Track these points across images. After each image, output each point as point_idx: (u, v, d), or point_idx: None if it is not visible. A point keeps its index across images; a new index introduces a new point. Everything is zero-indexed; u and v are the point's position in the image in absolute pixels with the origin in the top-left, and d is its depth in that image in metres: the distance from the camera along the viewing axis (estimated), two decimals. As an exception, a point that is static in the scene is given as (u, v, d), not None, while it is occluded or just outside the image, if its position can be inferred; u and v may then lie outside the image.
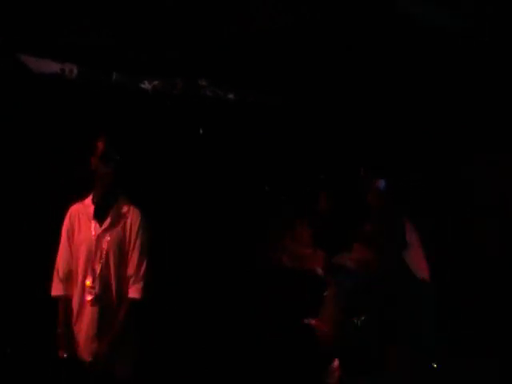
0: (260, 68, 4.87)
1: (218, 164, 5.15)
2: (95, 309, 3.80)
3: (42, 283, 4.01)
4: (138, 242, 3.86)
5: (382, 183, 4.56)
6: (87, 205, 3.93)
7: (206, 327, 4.98)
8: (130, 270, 3.85)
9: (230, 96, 4.89)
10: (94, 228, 3.86)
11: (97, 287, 3.80)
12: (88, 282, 3.80)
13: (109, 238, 3.84)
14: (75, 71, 4.73)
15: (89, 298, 3.80)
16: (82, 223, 3.90)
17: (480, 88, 5.04)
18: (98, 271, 3.81)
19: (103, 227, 3.86)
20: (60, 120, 4.72)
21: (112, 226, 3.87)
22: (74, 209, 3.96)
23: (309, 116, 5.40)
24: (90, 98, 4.77)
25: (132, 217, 3.90)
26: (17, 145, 4.70)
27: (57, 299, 3.91)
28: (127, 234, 3.87)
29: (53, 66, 4.71)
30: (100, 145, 3.85)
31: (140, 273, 3.85)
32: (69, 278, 3.90)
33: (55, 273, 3.92)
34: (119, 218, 3.89)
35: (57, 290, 3.91)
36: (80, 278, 3.85)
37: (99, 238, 3.85)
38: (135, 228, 3.88)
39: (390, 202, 4.60)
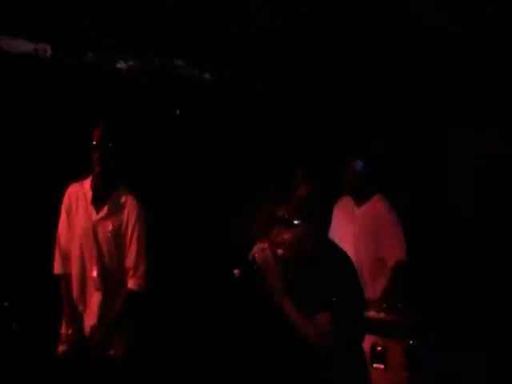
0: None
1: (195, 145, 5.10)
2: (96, 294, 3.82)
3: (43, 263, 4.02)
4: (136, 233, 3.82)
5: (359, 164, 4.57)
6: (86, 189, 3.88)
7: (200, 313, 4.96)
8: (129, 262, 3.83)
9: (207, 76, 4.85)
10: (91, 214, 3.83)
11: (95, 273, 3.81)
12: (94, 273, 3.82)
13: (106, 227, 3.81)
14: (49, 51, 4.67)
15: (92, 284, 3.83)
16: (80, 206, 3.86)
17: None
18: (95, 258, 3.80)
19: (100, 215, 3.82)
20: (34, 101, 4.65)
21: (109, 214, 3.82)
22: (73, 190, 3.91)
23: (289, 98, 5.37)
24: (65, 79, 4.70)
25: (130, 207, 3.84)
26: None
27: (59, 277, 3.89)
28: (124, 224, 3.82)
29: (26, 46, 4.64)
30: (96, 132, 3.79)
31: (139, 264, 3.82)
32: (69, 256, 3.87)
33: (56, 251, 3.89)
34: (117, 208, 3.84)
35: (58, 268, 3.89)
36: (77, 261, 3.84)
37: (95, 225, 3.81)
38: (133, 219, 3.82)
39: (364, 181, 4.62)
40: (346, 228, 4.63)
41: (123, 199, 3.85)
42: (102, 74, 4.78)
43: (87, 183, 3.89)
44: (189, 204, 5.12)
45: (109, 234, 3.80)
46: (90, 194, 3.85)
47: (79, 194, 3.88)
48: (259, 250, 3.07)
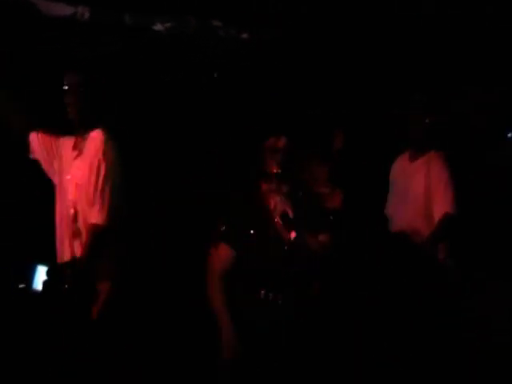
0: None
1: (230, 104, 5.10)
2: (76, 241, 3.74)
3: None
4: (96, 163, 3.65)
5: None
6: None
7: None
8: (89, 195, 3.66)
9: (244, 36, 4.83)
10: (70, 157, 3.80)
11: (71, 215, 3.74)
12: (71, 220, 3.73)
13: (79, 167, 3.72)
14: (87, 14, 4.69)
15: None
16: (65, 152, 3.84)
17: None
18: (72, 203, 3.73)
19: (74, 156, 3.77)
20: (71, 64, 4.67)
21: (81, 154, 3.75)
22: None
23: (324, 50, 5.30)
24: (105, 41, 4.72)
25: (95, 139, 3.72)
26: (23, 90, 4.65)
27: None
28: (90, 159, 3.69)
29: (64, 9, 4.67)
30: (65, 79, 3.75)
31: (99, 197, 3.62)
32: None
33: None
34: (87, 145, 3.75)
35: None
36: (58, 215, 3.82)
37: (74, 168, 3.76)
38: (97, 152, 3.68)
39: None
40: (400, 184, 4.69)
41: (92, 134, 3.75)
42: (140, 36, 4.79)
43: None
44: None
45: (79, 171, 3.70)
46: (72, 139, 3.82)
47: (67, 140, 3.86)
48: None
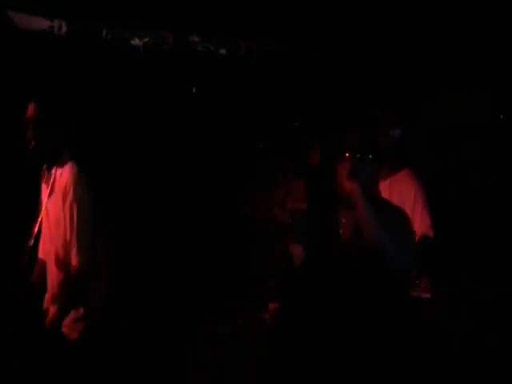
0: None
1: (209, 118, 5.10)
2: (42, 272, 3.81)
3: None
4: (67, 205, 3.58)
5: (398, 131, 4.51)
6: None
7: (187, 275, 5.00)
8: (66, 236, 3.63)
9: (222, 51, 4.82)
10: (44, 194, 3.77)
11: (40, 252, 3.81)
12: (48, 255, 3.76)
13: (53, 204, 3.67)
14: (64, 28, 4.66)
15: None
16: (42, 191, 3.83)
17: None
18: (49, 239, 3.73)
19: (48, 193, 3.71)
20: (48, 77, 4.66)
21: (54, 191, 3.69)
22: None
23: (304, 64, 5.31)
24: (80, 55, 4.70)
25: (65, 178, 3.62)
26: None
27: None
28: (60, 198, 3.63)
29: (41, 23, 4.64)
30: (30, 110, 3.64)
31: (74, 240, 3.59)
32: None
33: None
34: (58, 182, 3.67)
35: None
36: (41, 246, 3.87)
37: (47, 204, 3.72)
38: (64, 190, 3.60)
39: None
40: None
41: (60, 171, 3.67)
42: (117, 51, 4.77)
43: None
44: (205, 179, 5.16)
45: (55, 211, 3.65)
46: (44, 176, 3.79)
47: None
48: None
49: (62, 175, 3.65)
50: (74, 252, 3.58)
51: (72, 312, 3.66)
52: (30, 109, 3.64)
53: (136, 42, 4.77)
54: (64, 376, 3.61)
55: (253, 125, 5.18)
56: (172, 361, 4.47)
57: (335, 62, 5.28)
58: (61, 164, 3.69)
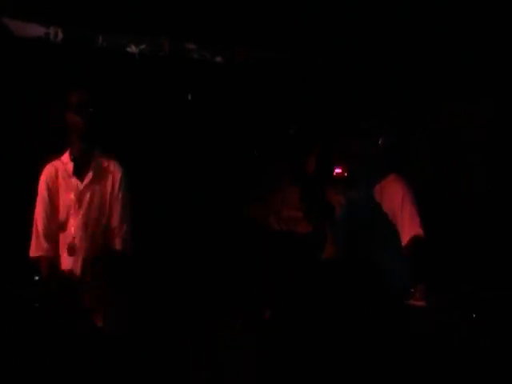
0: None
1: (205, 126, 5.10)
2: (75, 259, 3.83)
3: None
4: (120, 196, 3.92)
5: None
6: (65, 162, 3.92)
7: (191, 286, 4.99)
8: (114, 222, 3.90)
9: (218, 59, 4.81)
10: (74, 185, 3.87)
11: (77, 238, 3.84)
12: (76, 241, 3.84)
13: (91, 193, 3.87)
14: (60, 35, 4.66)
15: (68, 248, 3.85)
16: (61, 181, 3.90)
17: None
18: (80, 224, 3.84)
19: (85, 183, 3.88)
20: (44, 84, 4.67)
21: (94, 181, 3.89)
22: (52, 167, 3.94)
23: (300, 72, 5.29)
24: (76, 62, 4.70)
25: (114, 172, 3.95)
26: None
27: (36, 260, 3.90)
28: (109, 188, 3.92)
29: (37, 30, 4.65)
30: (73, 97, 3.86)
31: (124, 224, 3.91)
32: (51, 239, 3.89)
33: (34, 234, 3.90)
34: (100, 173, 3.92)
35: (37, 250, 3.90)
36: (62, 235, 3.88)
37: (81, 194, 3.86)
38: (117, 182, 3.93)
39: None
40: None
41: (105, 164, 3.95)
42: (113, 58, 4.77)
43: (66, 157, 3.94)
44: (202, 184, 5.15)
45: (94, 200, 3.87)
46: (70, 166, 3.88)
47: (58, 168, 3.93)
48: None
49: (109, 166, 3.94)
50: (120, 237, 3.88)
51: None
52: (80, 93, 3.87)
53: (132, 49, 4.77)
54: (64, 376, 3.60)
55: (248, 132, 5.14)
56: (172, 361, 4.47)
57: (337, 69, 5.25)
58: (98, 156, 3.93)
